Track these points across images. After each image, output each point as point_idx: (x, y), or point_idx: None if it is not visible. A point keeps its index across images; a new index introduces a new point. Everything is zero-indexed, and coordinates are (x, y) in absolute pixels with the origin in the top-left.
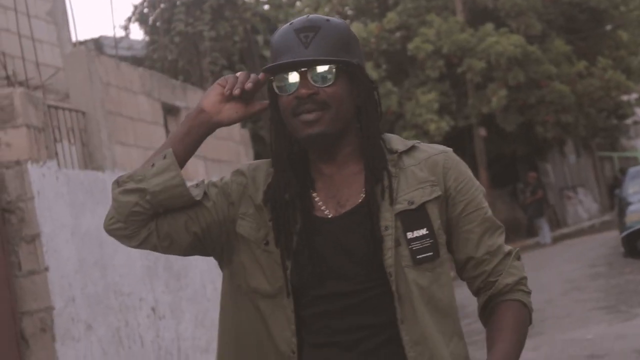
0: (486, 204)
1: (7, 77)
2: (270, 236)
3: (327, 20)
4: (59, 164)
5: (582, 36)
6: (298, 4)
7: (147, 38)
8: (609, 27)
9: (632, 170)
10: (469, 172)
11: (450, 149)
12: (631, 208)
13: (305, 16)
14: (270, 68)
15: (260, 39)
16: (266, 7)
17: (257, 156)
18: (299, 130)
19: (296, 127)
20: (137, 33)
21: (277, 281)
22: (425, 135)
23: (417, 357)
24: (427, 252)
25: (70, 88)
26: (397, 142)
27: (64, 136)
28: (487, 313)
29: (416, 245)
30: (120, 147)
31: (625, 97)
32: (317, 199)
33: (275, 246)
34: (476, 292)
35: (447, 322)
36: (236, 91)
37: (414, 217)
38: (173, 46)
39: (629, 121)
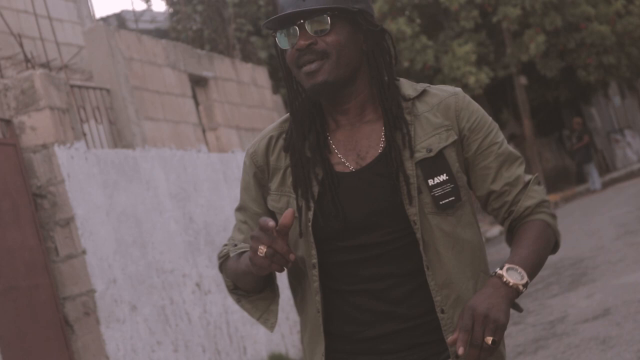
0: (502, 138)
1: (27, 60)
2: (292, 201)
3: None
4: (87, 145)
5: None
6: None
7: (169, 9)
8: None
9: None
10: (481, 110)
11: (460, 90)
12: None
13: None
14: (268, 23)
15: None
16: None
17: None
18: (304, 82)
19: (301, 79)
20: (159, 5)
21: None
22: (464, 88)
23: (443, 300)
24: (450, 197)
25: (92, 66)
26: (408, 87)
27: (90, 116)
28: (511, 237)
29: (438, 192)
30: (150, 123)
31: None
32: (337, 152)
33: (296, 201)
34: (502, 223)
35: (473, 261)
36: (288, 265)
37: (434, 164)
38: (196, 15)
39: None
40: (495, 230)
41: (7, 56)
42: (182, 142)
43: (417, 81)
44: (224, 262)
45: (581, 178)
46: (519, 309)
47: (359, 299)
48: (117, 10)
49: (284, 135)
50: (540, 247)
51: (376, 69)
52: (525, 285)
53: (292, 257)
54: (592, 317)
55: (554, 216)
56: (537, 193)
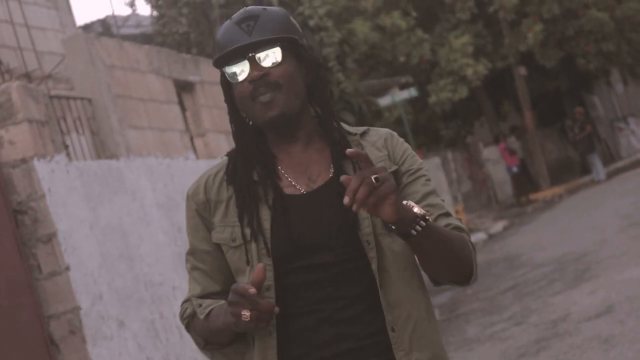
0: (429, 177)
1: (4, 71)
2: (236, 230)
3: (264, 9)
4: (69, 157)
5: None
6: None
7: (154, 13)
8: None
9: None
10: (411, 149)
11: (391, 131)
12: None
13: (242, 9)
14: (219, 59)
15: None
16: None
17: None
18: (258, 115)
19: (256, 112)
20: (145, 9)
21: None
22: (462, 81)
23: (394, 320)
24: None
25: (73, 75)
26: (349, 128)
27: (72, 127)
28: None
29: None
30: (134, 131)
31: None
32: (286, 176)
33: (241, 229)
34: None
35: (415, 276)
36: (263, 324)
37: None
38: (182, 18)
39: None
40: (499, 226)
41: None
42: (168, 150)
43: (415, 75)
44: (190, 321)
45: (585, 169)
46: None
47: (311, 321)
48: (101, 16)
49: (222, 172)
50: (455, 239)
51: (318, 100)
52: (422, 218)
53: (277, 310)
54: (594, 315)
55: (474, 246)
56: (459, 221)
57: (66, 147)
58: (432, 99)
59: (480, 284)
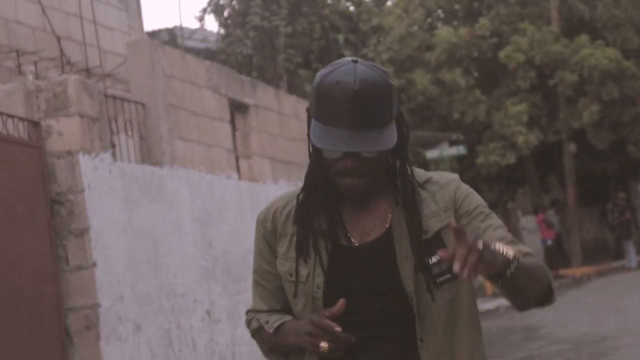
0: (488, 213)
1: (66, 63)
2: (296, 265)
3: (374, 85)
4: (114, 157)
5: None
6: (389, 3)
7: (221, 31)
8: None
9: None
10: (472, 191)
11: (457, 176)
12: None
13: (352, 81)
14: (320, 146)
15: (340, 37)
16: (348, 4)
17: None
18: (337, 184)
19: (335, 179)
20: (213, 25)
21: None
22: (512, 147)
23: None
24: (446, 275)
25: (131, 78)
26: (417, 173)
27: (122, 128)
28: None
29: (435, 270)
30: (182, 143)
31: None
32: (345, 227)
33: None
34: None
35: (471, 333)
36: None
37: (430, 245)
38: (248, 40)
39: None
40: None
41: (50, 57)
42: (212, 166)
43: (467, 134)
44: (256, 332)
45: (619, 254)
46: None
47: (355, 355)
48: (169, 25)
49: (291, 205)
50: (536, 269)
51: (401, 163)
52: (513, 261)
53: (353, 339)
54: None
55: (546, 267)
56: (526, 247)
57: (113, 146)
58: (480, 159)
59: (495, 350)
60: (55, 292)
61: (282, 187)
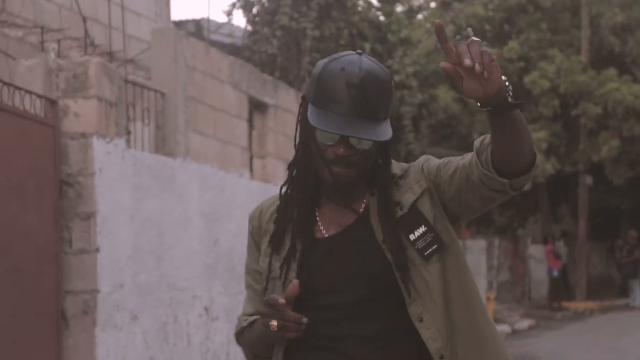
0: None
1: (89, 45)
2: (273, 261)
3: (377, 77)
4: (128, 143)
5: None
6: (419, 16)
7: (249, 27)
8: None
9: None
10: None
11: (429, 156)
12: None
13: (357, 70)
14: (317, 127)
15: (367, 46)
16: (378, 13)
17: None
18: (324, 175)
19: (323, 171)
20: (240, 20)
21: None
22: None
23: (443, 347)
24: (432, 246)
25: (153, 66)
26: (396, 167)
27: (139, 116)
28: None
29: (420, 244)
30: (197, 136)
31: None
32: (319, 222)
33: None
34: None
35: (472, 303)
36: (302, 328)
37: (410, 219)
38: (274, 40)
39: None
40: (525, 323)
41: (74, 37)
42: (226, 163)
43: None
44: (239, 335)
45: (624, 292)
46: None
47: (321, 356)
48: (196, 16)
49: (277, 203)
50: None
51: (384, 160)
52: (508, 86)
53: (305, 320)
54: None
55: None
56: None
57: (128, 133)
58: None
59: None
60: (56, 274)
61: None
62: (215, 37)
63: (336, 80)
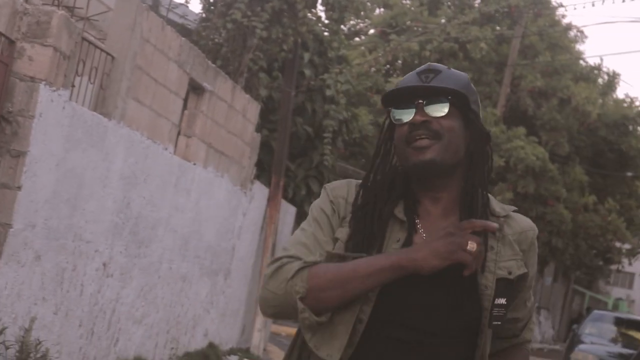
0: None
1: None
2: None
3: (449, 68)
4: (70, 96)
5: (603, 173)
6: (357, 39)
7: (202, 14)
8: (629, 174)
9: (596, 312)
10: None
11: (535, 226)
12: (581, 347)
13: (428, 63)
14: (388, 95)
15: (306, 56)
16: (324, 29)
17: (259, 162)
18: (409, 158)
19: (407, 155)
20: (196, 5)
21: None
22: None
23: None
24: (498, 321)
25: (110, 30)
26: (495, 204)
27: (87, 72)
28: (501, 353)
29: (496, 312)
30: (135, 103)
31: (618, 244)
32: (421, 232)
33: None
34: (501, 337)
35: None
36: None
37: (506, 286)
38: (224, 31)
39: (613, 267)
40: None
41: None
42: (155, 133)
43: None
44: (300, 270)
45: None
46: None
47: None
48: None
49: (352, 191)
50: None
51: (474, 169)
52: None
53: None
54: None
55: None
56: (533, 325)
57: (73, 86)
58: None
59: None
60: None
61: (210, 173)
62: (169, 15)
63: (408, 75)
